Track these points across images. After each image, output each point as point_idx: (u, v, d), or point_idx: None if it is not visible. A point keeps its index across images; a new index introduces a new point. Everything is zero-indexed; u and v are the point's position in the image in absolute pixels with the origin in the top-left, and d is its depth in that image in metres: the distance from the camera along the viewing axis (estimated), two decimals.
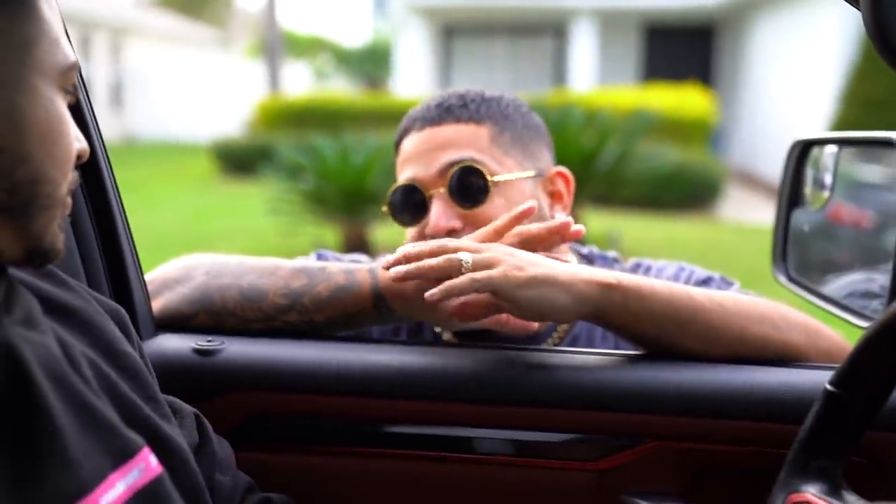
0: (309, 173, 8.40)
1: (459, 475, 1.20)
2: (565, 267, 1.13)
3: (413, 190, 1.32)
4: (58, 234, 0.83)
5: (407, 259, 1.15)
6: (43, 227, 0.81)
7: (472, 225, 1.30)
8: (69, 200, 0.84)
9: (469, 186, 1.30)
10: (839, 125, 10.72)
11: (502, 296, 1.10)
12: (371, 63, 27.61)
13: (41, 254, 0.82)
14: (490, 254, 1.12)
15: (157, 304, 1.30)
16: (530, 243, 1.19)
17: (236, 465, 1.12)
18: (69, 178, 0.83)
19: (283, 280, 1.25)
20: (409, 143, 1.35)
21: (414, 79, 17.41)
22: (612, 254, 1.43)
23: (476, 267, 1.10)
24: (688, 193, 11.44)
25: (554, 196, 1.38)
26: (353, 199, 8.18)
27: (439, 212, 1.30)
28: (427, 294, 1.11)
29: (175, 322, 1.29)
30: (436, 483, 1.21)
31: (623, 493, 1.15)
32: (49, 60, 0.79)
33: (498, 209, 1.30)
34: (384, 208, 1.37)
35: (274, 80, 17.96)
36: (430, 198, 1.32)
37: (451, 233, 1.30)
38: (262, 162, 10.07)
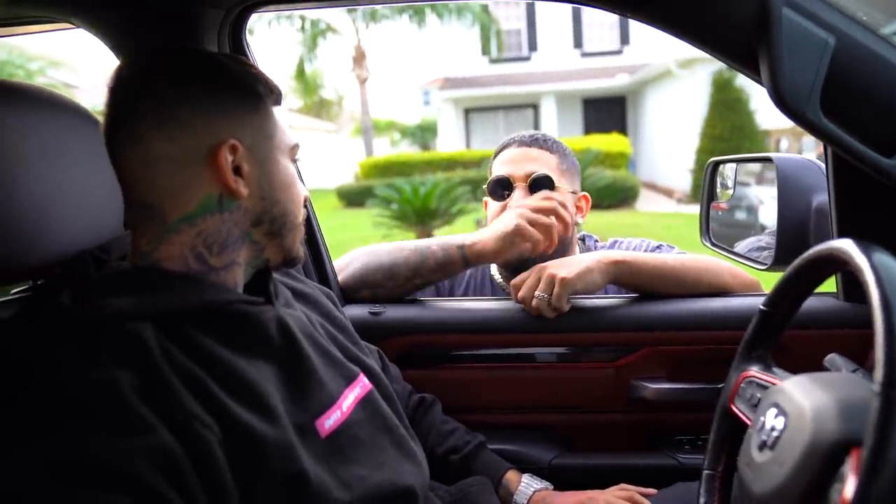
0: (395, 202, 8.44)
1: (531, 376, 1.16)
2: (590, 256, 1.13)
3: (506, 181, 1.25)
4: (300, 248, 0.79)
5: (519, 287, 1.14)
6: (291, 243, 0.77)
7: None
8: (303, 227, 0.80)
9: (539, 187, 1.23)
10: (698, 153, 10.55)
11: (576, 288, 1.11)
12: (423, 133, 26.74)
13: (292, 259, 0.78)
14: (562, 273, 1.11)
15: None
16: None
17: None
18: (302, 212, 0.78)
19: (404, 259, 1.21)
20: (508, 153, 1.27)
21: (449, 142, 17.20)
22: (595, 237, 1.37)
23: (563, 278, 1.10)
24: (618, 197, 11.29)
25: (578, 209, 1.31)
26: (422, 215, 8.23)
27: (519, 196, 1.23)
28: (544, 305, 1.10)
29: (346, 294, 1.23)
30: (515, 381, 1.17)
31: (631, 380, 1.13)
32: (283, 142, 0.75)
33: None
34: (484, 187, 1.29)
35: (368, 148, 17.29)
36: (514, 188, 1.24)
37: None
38: (367, 197, 10.07)
